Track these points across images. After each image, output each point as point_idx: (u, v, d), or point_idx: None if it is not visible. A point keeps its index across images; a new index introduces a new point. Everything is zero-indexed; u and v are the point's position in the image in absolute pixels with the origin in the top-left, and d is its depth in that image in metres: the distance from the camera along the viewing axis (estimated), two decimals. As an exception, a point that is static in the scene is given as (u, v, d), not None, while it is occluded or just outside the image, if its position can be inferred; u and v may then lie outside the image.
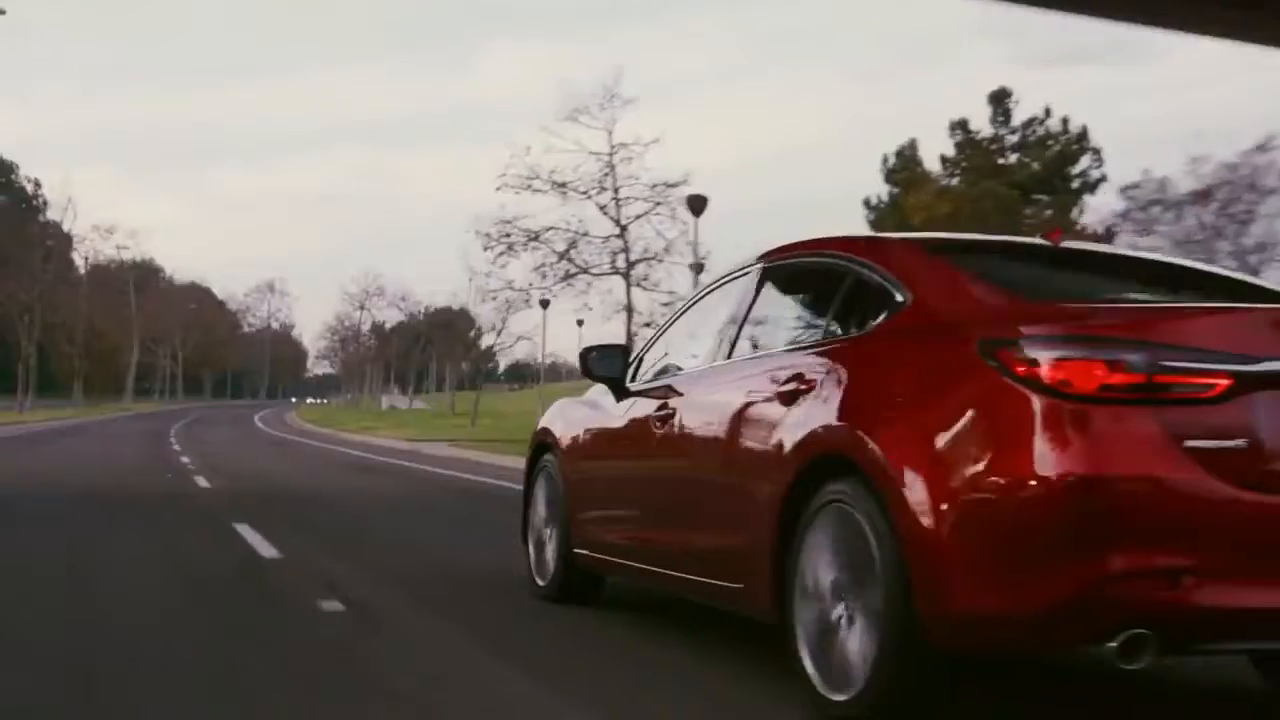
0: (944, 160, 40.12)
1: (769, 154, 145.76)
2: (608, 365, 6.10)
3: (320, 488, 16.55)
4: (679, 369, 5.69)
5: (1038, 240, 4.76)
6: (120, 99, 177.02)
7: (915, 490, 3.66)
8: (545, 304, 55.58)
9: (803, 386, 4.33)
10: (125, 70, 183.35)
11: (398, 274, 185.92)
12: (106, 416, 64.17)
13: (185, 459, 22.97)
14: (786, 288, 5.16)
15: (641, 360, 6.08)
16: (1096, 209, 37.47)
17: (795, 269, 5.12)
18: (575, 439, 6.42)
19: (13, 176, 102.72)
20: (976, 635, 3.62)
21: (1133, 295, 4.40)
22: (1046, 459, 3.43)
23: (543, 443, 6.76)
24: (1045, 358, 3.50)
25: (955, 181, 38.98)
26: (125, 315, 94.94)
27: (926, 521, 3.61)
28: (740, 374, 4.93)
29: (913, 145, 40.37)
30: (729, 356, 5.15)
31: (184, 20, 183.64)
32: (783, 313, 5.19)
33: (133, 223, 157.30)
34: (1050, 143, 39.06)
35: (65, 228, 75.18)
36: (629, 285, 33.22)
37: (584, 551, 6.12)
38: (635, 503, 5.69)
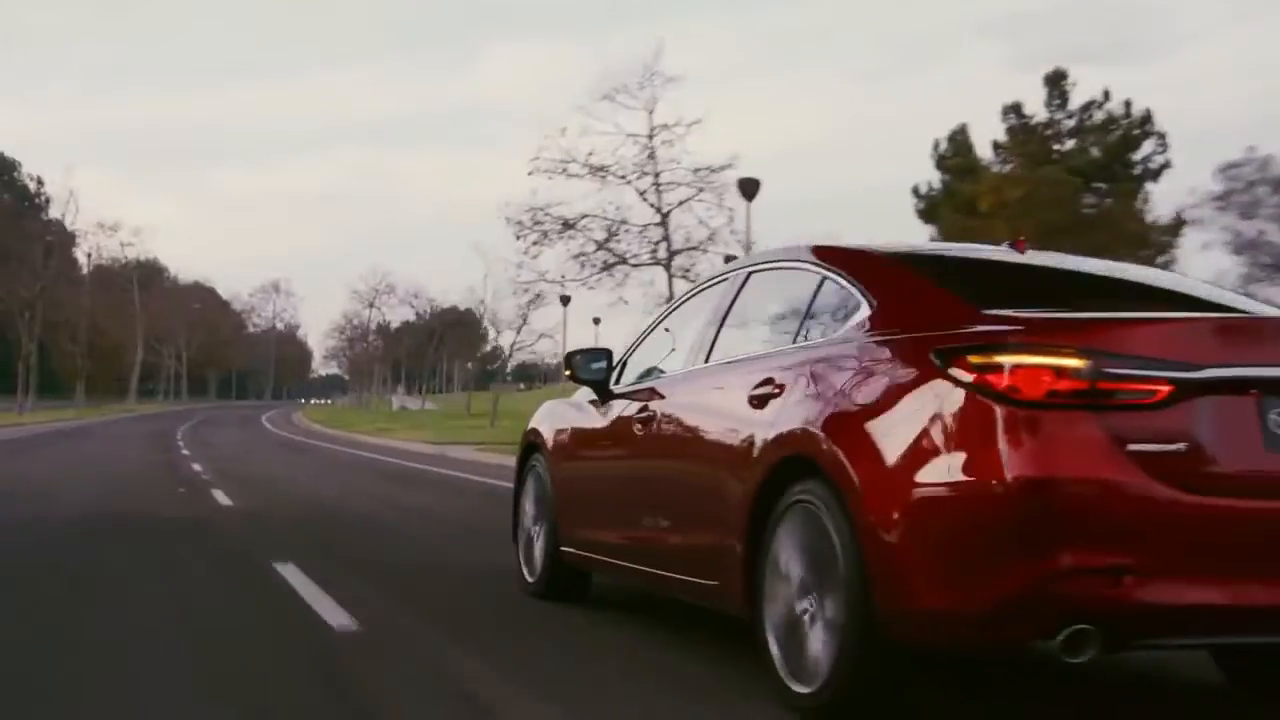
0: (996, 146, 37.26)
1: (773, 151, 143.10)
2: (592, 368, 6.17)
3: (359, 504, 13.85)
4: (661, 372, 5.75)
5: (1003, 249, 4.94)
6: (121, 99, 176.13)
7: (873, 491, 3.80)
8: (566, 300, 52.98)
9: (773, 390, 4.47)
10: (126, 71, 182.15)
11: (407, 271, 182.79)
12: (109, 418, 61.46)
13: (197, 466, 20.19)
14: (762, 294, 5.24)
15: (626, 363, 6.15)
16: (1163, 196, 34.75)
17: (771, 276, 5.24)
18: (562, 440, 6.53)
19: (15, 175, 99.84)
20: (931, 631, 3.74)
21: (1092, 304, 4.31)
22: (995, 462, 3.56)
23: (532, 443, 6.85)
24: (994, 365, 3.63)
25: (1009, 168, 36.11)
26: (129, 314, 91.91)
27: (884, 522, 3.74)
28: (716, 378, 5.08)
29: (964, 130, 37.51)
30: (706, 360, 5.28)
31: (185, 21, 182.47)
32: (758, 318, 5.25)
33: (136, 221, 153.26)
34: (1112, 127, 36.13)
35: (67, 222, 72.08)
36: (670, 277, 30.38)
37: (570, 549, 6.21)
38: (617, 502, 5.76)
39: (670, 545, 5.24)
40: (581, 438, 6.37)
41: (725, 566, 4.59)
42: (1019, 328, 3.80)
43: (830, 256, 4.82)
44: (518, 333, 56.05)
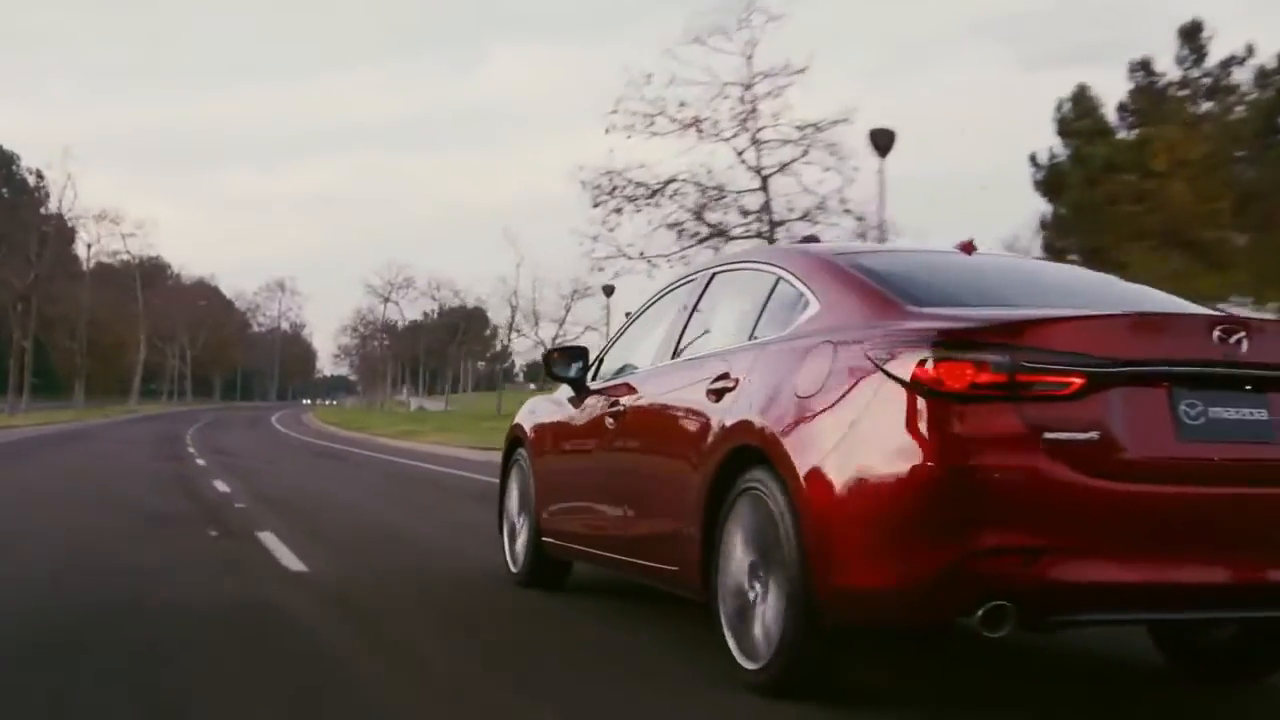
0: (1122, 108, 31.85)
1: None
2: (569, 366, 6.39)
3: (489, 551, 8.18)
4: (634, 368, 5.93)
5: (951, 250, 5.27)
6: (125, 101, 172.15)
7: (813, 479, 4.03)
8: (610, 291, 47.76)
9: (729, 384, 4.72)
10: (129, 73, 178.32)
11: (426, 266, 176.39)
12: (111, 419, 55.93)
13: (222, 486, 14.77)
14: (725, 293, 5.46)
15: (602, 361, 6.38)
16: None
17: (733, 276, 5.52)
18: (542, 434, 6.72)
19: (14, 168, 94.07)
20: (864, 609, 3.97)
21: (1023, 303, 4.46)
22: (921, 450, 3.76)
23: (515, 438, 7.05)
24: (921, 360, 3.82)
25: (1134, 133, 30.71)
26: (131, 311, 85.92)
27: (822, 507, 3.98)
28: (680, 373, 5.29)
29: (1085, 92, 32.08)
30: (674, 356, 5.50)
31: (191, 23, 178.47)
32: (721, 316, 5.43)
33: (139, 215, 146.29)
34: (1263, 84, 30.67)
35: (64, 209, 66.01)
36: (774, 252, 24.79)
37: (550, 539, 6.41)
38: (590, 493, 5.96)
39: (636, 533, 5.41)
40: (559, 432, 6.49)
41: (684, 551, 4.81)
42: (946, 325, 3.97)
43: (784, 257, 5.15)
44: (560, 326, 50.57)
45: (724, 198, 25.28)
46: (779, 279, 4.95)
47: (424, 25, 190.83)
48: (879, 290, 4.48)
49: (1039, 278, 5.36)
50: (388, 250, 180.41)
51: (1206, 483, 3.84)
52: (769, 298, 4.96)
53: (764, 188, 25.75)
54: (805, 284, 4.75)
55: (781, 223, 25.77)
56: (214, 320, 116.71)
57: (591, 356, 6.47)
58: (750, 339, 4.92)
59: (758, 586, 4.31)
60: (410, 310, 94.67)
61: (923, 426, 3.76)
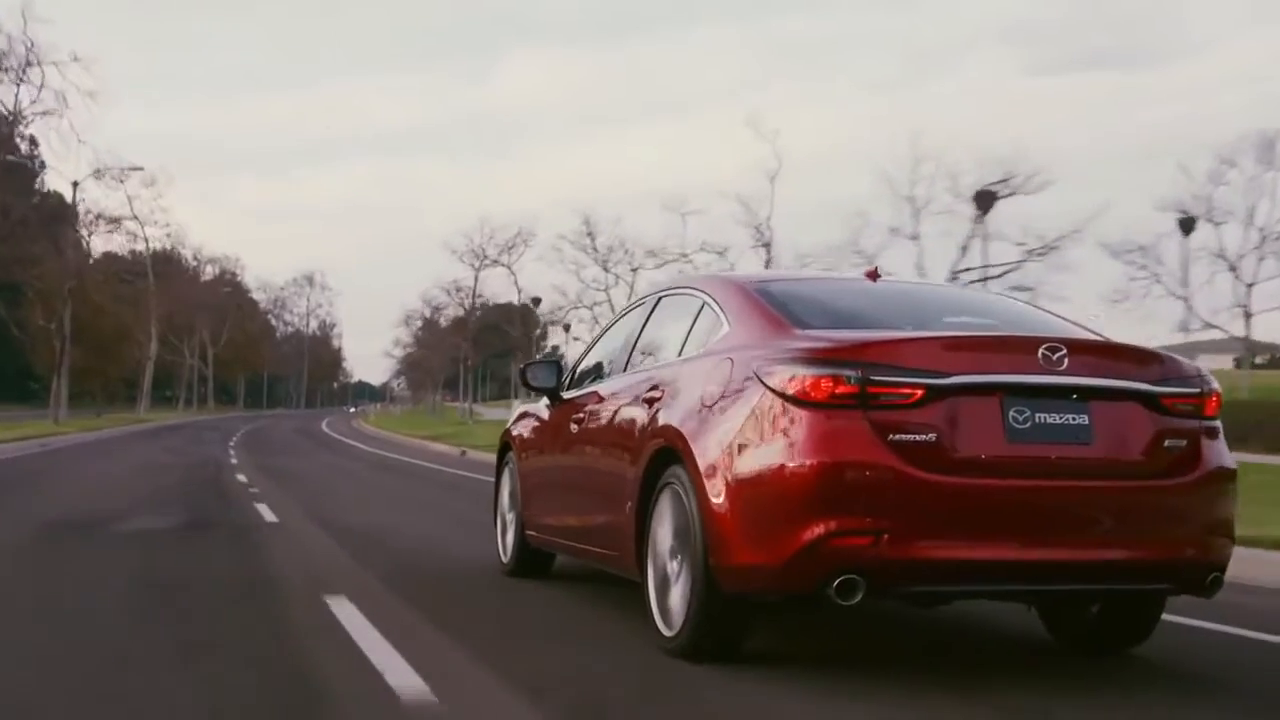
0: None
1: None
2: (544, 377, 7.40)
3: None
4: (598, 380, 7.07)
5: (858, 276, 6.34)
6: (133, 106, 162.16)
7: (710, 474, 5.00)
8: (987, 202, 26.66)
9: (658, 395, 5.75)
10: (135, 80, 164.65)
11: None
12: (103, 433, 39.07)
13: None
14: (666, 315, 6.52)
15: (575, 372, 7.51)
16: None
17: (674, 300, 6.50)
18: (525, 438, 7.95)
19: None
20: (746, 582, 4.89)
21: (908, 324, 5.32)
22: (789, 449, 4.70)
23: (505, 443, 8.38)
24: (792, 375, 4.77)
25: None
26: (138, 287, 62.97)
27: (717, 497, 4.95)
28: (627, 385, 6.32)
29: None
30: (625, 369, 6.65)
31: (200, 30, 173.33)
32: (660, 334, 6.46)
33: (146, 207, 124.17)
34: None
35: (24, 101, 42.93)
36: None
37: (533, 533, 7.65)
38: (558, 490, 7.20)
39: (589, 524, 6.54)
40: (538, 437, 7.68)
41: (622, 538, 5.82)
42: (814, 345, 4.92)
43: (709, 284, 6.10)
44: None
45: None
46: (704, 303, 5.89)
47: (443, 35, 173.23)
48: (775, 314, 5.36)
49: (929, 302, 6.22)
50: (401, 259, 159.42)
51: (1030, 476, 4.68)
52: (696, 319, 5.91)
53: None
54: (721, 308, 5.69)
55: None
56: (236, 314, 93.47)
57: (566, 367, 7.68)
58: (679, 355, 5.94)
59: (675, 566, 5.28)
60: (529, 280, 68.69)
61: (790, 430, 4.66)
